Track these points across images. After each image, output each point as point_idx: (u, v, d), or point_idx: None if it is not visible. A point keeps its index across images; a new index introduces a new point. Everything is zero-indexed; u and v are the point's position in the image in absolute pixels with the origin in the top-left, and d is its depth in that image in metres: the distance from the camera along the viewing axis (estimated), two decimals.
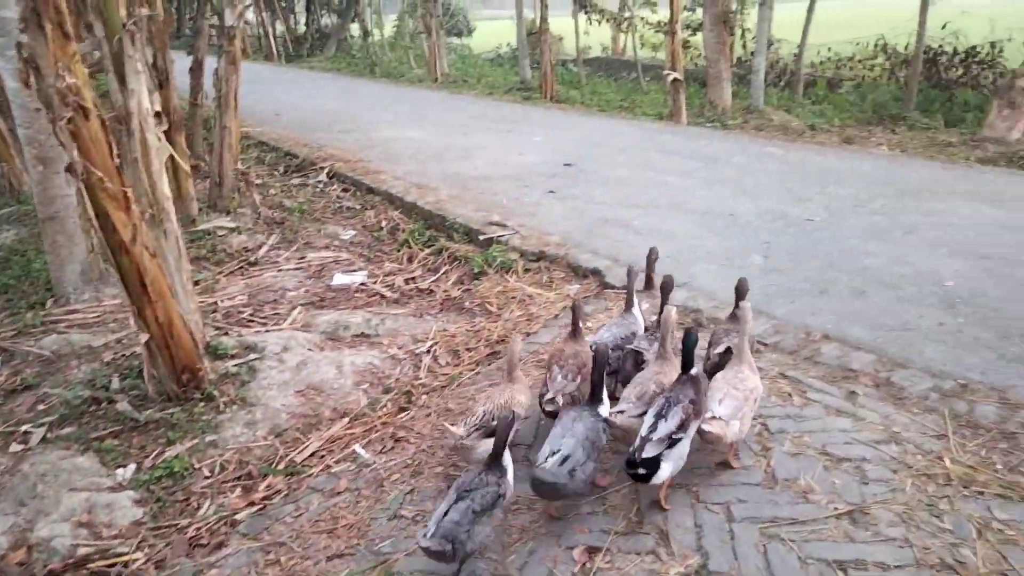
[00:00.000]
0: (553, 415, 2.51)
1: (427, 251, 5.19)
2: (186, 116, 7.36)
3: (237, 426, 3.18)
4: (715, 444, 2.44)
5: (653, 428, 2.31)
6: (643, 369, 2.68)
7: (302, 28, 29.16)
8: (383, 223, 5.84)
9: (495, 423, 2.35)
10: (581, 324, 2.81)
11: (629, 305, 3.07)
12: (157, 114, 3.41)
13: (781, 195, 5.41)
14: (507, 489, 2.21)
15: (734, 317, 2.80)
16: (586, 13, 18.65)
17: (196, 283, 4.65)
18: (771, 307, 3.57)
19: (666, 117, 10.68)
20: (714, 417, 2.38)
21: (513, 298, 4.25)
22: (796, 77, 13.90)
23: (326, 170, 7.08)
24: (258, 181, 7.14)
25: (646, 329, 3.00)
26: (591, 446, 2.33)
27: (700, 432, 2.38)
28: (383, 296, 4.57)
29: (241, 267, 5.05)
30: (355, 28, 22.43)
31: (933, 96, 12.78)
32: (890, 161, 6.47)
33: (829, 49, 15.06)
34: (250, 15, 25.41)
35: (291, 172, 7.40)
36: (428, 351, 3.80)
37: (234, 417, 3.23)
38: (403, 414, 3.18)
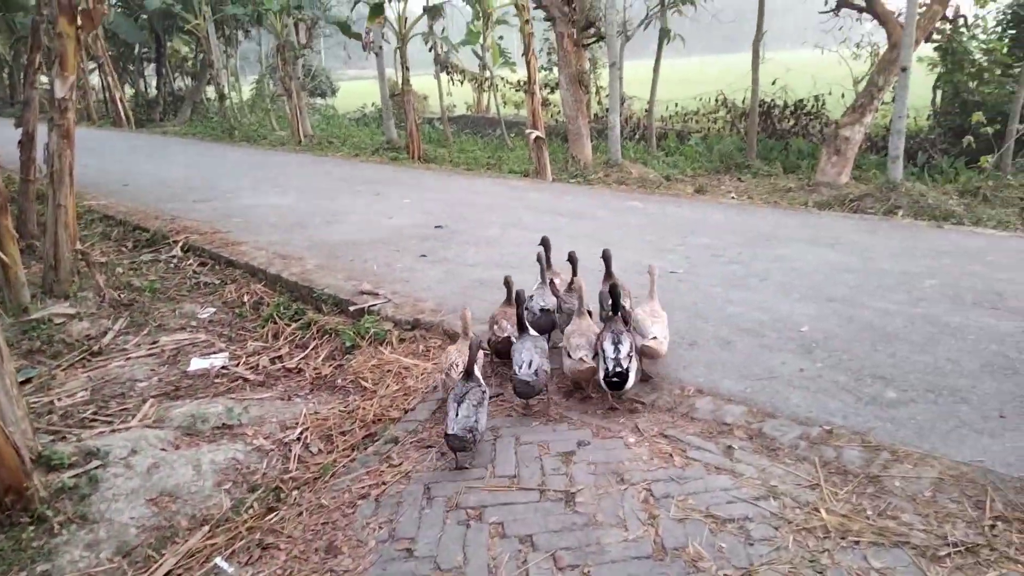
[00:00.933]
0: (503, 351, 3.74)
1: (294, 326, 4.91)
2: (16, 193, 6.72)
3: (76, 549, 2.78)
4: (654, 357, 3.50)
5: (616, 352, 3.21)
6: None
7: (153, 92, 27.84)
8: (245, 298, 5.50)
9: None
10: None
11: (543, 280, 4.09)
12: None
13: (644, 247, 5.61)
14: (486, 389, 3.18)
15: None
16: (448, 73, 19.03)
17: (27, 381, 4.16)
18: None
19: (532, 174, 10.95)
20: (654, 338, 3.43)
21: (388, 371, 4.08)
22: (649, 131, 14.73)
23: (180, 244, 6.63)
24: (103, 259, 6.60)
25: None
26: (545, 358, 3.37)
27: (643, 350, 3.42)
28: (246, 379, 4.25)
29: (83, 358, 4.56)
30: (211, 91, 21.65)
31: (771, 145, 13.93)
32: (739, 210, 6.89)
33: (676, 105, 16.16)
34: (95, 79, 24.03)
35: (141, 247, 6.87)
36: (298, 438, 3.55)
37: (72, 539, 2.83)
38: (272, 515, 2.91)
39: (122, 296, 5.50)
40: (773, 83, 13.60)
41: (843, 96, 12.44)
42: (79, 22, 4.96)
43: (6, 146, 8.59)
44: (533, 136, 10.61)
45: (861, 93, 10.20)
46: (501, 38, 22.20)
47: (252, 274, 5.82)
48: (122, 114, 21.53)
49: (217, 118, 18.99)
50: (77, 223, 7.96)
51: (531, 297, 3.91)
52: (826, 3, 11.48)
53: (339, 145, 14.58)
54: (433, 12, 12.57)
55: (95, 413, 3.85)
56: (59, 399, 4.00)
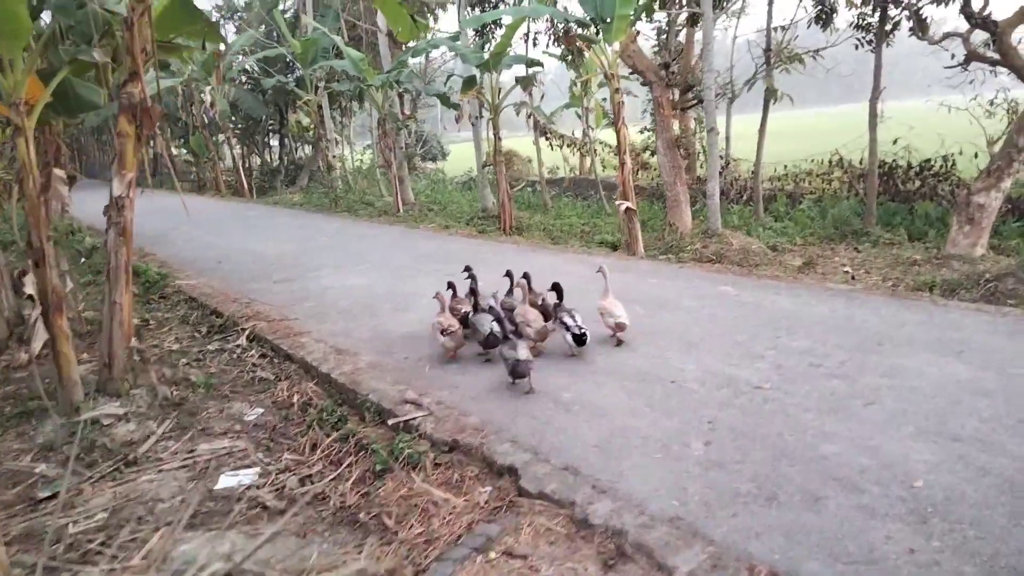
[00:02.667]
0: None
1: (334, 435, 4.56)
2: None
3: None
4: (623, 331, 5.12)
5: (574, 321, 4.92)
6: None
7: (276, 161, 29.55)
8: (295, 398, 5.23)
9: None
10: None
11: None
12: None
13: (730, 351, 4.88)
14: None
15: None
16: (546, 138, 18.93)
17: (52, 497, 3.99)
18: (709, 524, 2.94)
19: (623, 246, 10.37)
20: (621, 318, 5.08)
21: (415, 506, 3.60)
22: (755, 195, 13.84)
23: (247, 332, 6.54)
24: (175, 346, 6.61)
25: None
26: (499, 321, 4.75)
27: (619, 325, 5.11)
28: (266, 507, 3.89)
29: (116, 468, 4.38)
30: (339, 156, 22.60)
31: (893, 209, 12.69)
32: (848, 300, 6.00)
33: (785, 167, 15.17)
34: (226, 150, 25.71)
35: (213, 334, 6.84)
36: None
37: None
38: None
39: (175, 394, 5.38)
40: (894, 142, 12.44)
41: (976, 156, 11.13)
42: (139, 121, 4.98)
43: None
44: (623, 207, 10.08)
45: (998, 154, 9.02)
46: (604, 100, 22.05)
47: (306, 370, 5.57)
48: (244, 185, 22.86)
49: (324, 188, 19.71)
50: (166, 302, 8.25)
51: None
52: (952, 56, 10.38)
53: (435, 215, 14.61)
54: (525, 83, 12.44)
55: (103, 543, 3.59)
56: (75, 522, 3.79)
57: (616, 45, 9.87)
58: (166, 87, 22.55)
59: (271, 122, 27.94)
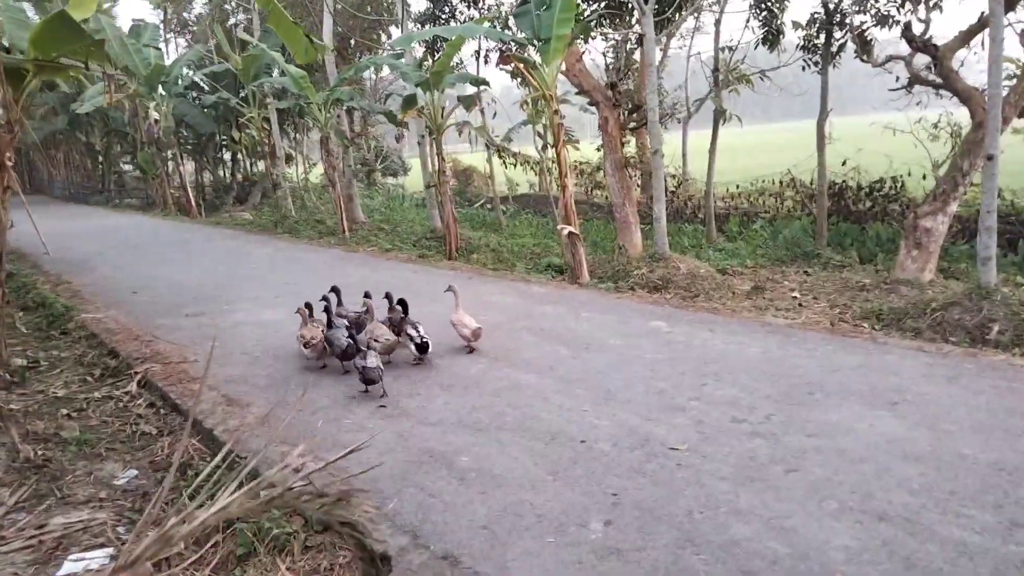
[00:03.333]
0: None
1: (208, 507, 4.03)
2: None
3: None
4: (478, 338, 5.73)
5: (418, 332, 5.46)
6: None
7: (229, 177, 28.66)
8: (175, 457, 4.68)
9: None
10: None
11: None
12: None
13: (650, 402, 4.47)
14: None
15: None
16: (499, 156, 18.58)
17: None
18: None
19: (567, 272, 9.96)
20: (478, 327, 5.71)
21: None
22: (707, 215, 13.62)
23: (139, 377, 5.96)
24: (61, 392, 6.01)
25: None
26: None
27: (476, 333, 5.71)
28: None
29: None
30: (290, 173, 21.94)
31: (844, 231, 12.53)
32: (784, 340, 5.64)
33: (738, 186, 15.00)
34: (175, 167, 24.79)
35: (105, 378, 6.25)
36: None
37: None
38: None
39: (39, 454, 4.80)
40: (843, 163, 12.30)
41: (924, 178, 11.01)
42: None
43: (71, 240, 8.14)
44: (565, 232, 9.70)
45: (943, 178, 8.83)
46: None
47: (193, 424, 5.03)
48: (191, 202, 22.05)
49: (269, 208, 19.10)
50: (66, 338, 7.61)
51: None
52: (897, 79, 10.25)
53: (381, 237, 14.09)
54: (467, 102, 12.05)
55: None
56: None
57: (554, 65, 9.52)
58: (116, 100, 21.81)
59: (223, 138, 27.17)
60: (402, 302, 5.80)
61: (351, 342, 5.28)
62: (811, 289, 9.75)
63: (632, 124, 13.24)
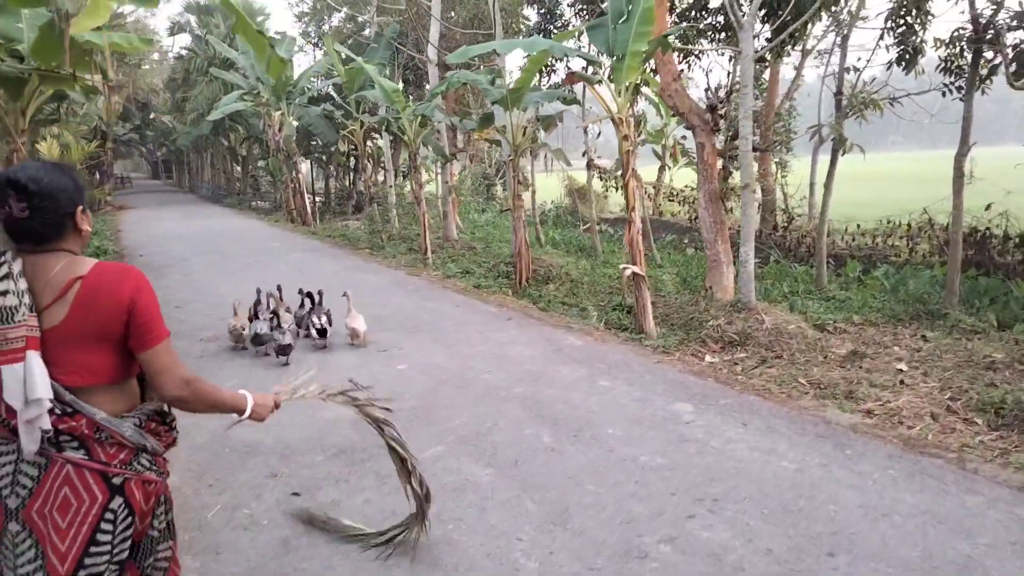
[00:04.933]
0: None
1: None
2: None
3: None
4: (360, 340, 6.96)
5: (321, 319, 6.87)
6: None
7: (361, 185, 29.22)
8: None
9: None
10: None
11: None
12: None
13: (607, 538, 3.38)
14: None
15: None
16: (600, 177, 17.61)
17: None
18: None
19: (636, 331, 8.64)
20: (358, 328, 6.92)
21: None
22: (818, 259, 11.93)
23: None
24: None
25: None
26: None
27: (353, 332, 6.96)
28: None
29: None
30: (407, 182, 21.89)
31: (985, 287, 10.48)
32: (835, 451, 4.32)
33: (858, 226, 13.10)
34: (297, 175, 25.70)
35: None
36: None
37: None
38: None
39: None
40: (987, 208, 10.28)
41: None
42: None
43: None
44: (628, 272, 8.57)
45: None
46: (684, 138, 20.47)
47: None
48: (307, 210, 22.60)
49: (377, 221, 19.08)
50: None
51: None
52: None
53: (464, 259, 13.48)
54: (546, 123, 11.20)
55: None
56: None
57: (627, 85, 8.47)
58: (247, 108, 22.98)
59: (353, 147, 27.86)
60: (309, 295, 7.38)
61: (259, 333, 6.50)
62: (924, 360, 8.03)
63: (732, 152, 11.82)
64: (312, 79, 23.71)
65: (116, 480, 1.97)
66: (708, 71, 12.76)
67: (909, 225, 11.72)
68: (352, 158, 28.81)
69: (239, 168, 34.12)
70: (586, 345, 6.87)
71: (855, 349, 8.36)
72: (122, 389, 2.07)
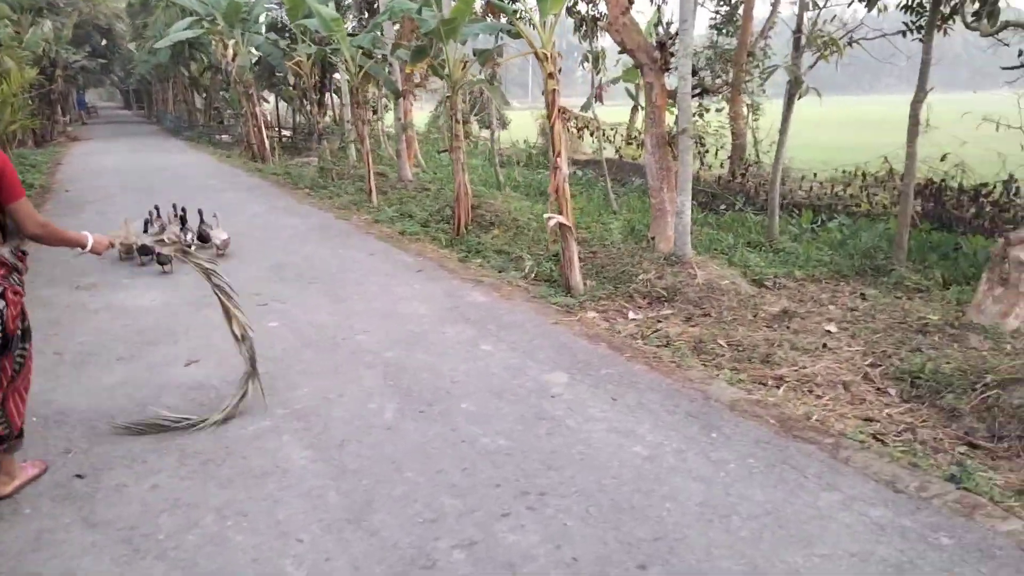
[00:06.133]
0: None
1: None
2: None
3: None
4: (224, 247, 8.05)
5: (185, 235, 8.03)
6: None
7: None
8: None
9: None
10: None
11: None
12: None
13: (401, 539, 2.99)
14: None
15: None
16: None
17: None
18: None
19: (563, 287, 8.17)
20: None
21: None
22: (770, 206, 11.45)
23: None
24: None
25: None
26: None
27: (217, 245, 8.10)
28: None
29: None
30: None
31: (937, 241, 10.06)
32: (700, 433, 3.91)
33: (815, 175, 12.54)
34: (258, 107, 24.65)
35: None
36: None
37: None
38: None
39: None
40: (942, 159, 9.73)
41: None
42: None
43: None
44: (552, 222, 8.02)
45: None
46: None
47: None
48: (265, 146, 21.60)
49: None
50: None
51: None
52: (1021, 53, 7.69)
53: (409, 204, 12.82)
54: (483, 57, 10.42)
55: None
56: None
57: (551, 17, 7.77)
58: (198, 36, 21.89)
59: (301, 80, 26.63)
60: (182, 217, 8.51)
61: (144, 244, 6.84)
62: (857, 320, 7.63)
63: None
64: (268, 5, 22.44)
65: None
66: (661, 3, 11.84)
67: (864, 174, 11.18)
68: (316, 92, 27.63)
69: (202, 100, 32.80)
70: (489, 302, 6.40)
71: (786, 308, 7.96)
72: None
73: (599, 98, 12.51)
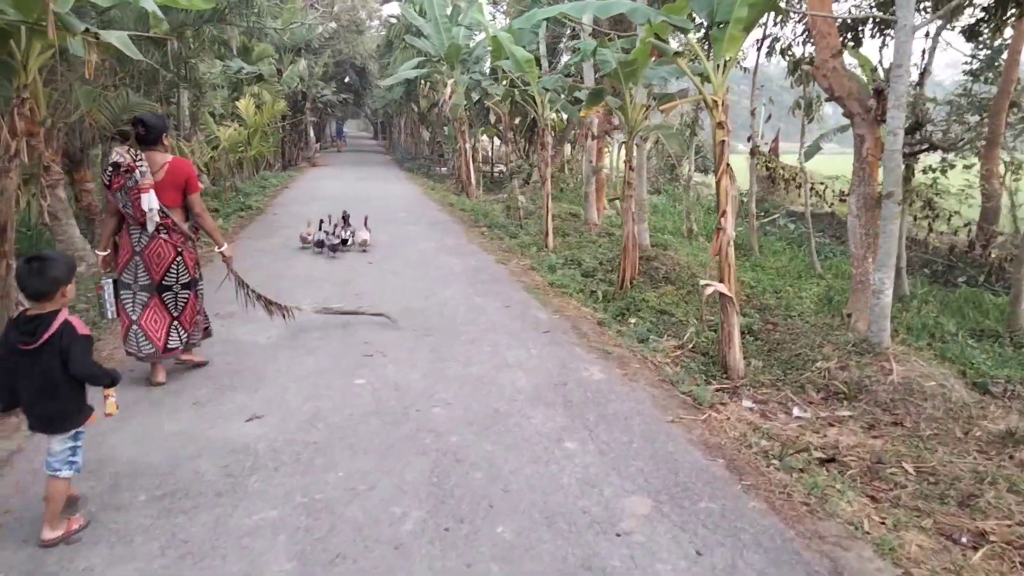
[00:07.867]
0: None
1: None
2: None
3: None
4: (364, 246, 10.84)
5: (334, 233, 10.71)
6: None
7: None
8: None
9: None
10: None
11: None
12: None
13: None
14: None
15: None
16: (753, 155, 15.43)
17: None
18: None
19: (719, 366, 6.92)
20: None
21: None
22: (1015, 288, 9.28)
23: None
24: None
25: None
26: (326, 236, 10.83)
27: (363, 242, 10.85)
28: None
29: None
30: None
31: None
32: None
33: None
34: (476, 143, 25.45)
35: None
36: None
37: None
38: None
39: None
40: None
41: None
42: None
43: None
44: (710, 290, 6.87)
45: None
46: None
47: None
48: (471, 180, 22.18)
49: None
50: None
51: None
52: None
53: (574, 253, 12.20)
54: (663, 101, 9.48)
55: None
56: None
57: (725, 60, 6.74)
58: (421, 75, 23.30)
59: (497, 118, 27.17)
60: (344, 217, 11.25)
61: (319, 239, 10.49)
62: None
63: (909, 149, 9.35)
64: (488, 47, 23.24)
65: (180, 248, 4.97)
66: (882, 47, 10.04)
67: None
68: (510, 130, 28.10)
69: (428, 133, 35.07)
70: (604, 381, 5.49)
71: (1015, 428, 6.14)
72: (183, 211, 5.03)
73: (774, 151, 10.98)
